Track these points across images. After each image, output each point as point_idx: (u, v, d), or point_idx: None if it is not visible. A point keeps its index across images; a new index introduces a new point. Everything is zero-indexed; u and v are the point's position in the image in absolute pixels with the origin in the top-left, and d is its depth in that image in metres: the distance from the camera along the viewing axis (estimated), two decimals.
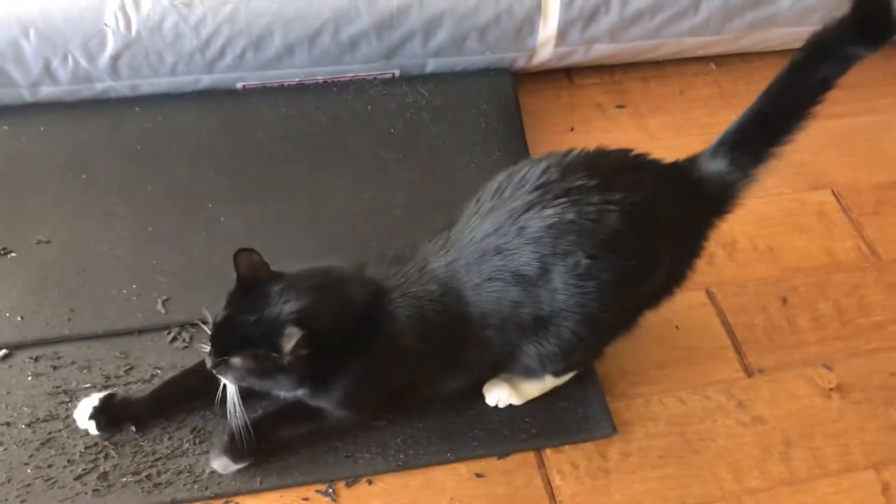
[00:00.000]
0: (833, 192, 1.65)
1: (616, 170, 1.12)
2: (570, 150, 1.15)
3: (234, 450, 1.19)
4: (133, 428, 1.24)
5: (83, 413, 1.22)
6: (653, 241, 1.12)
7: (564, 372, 1.27)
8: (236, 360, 1.07)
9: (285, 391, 1.15)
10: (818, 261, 1.54)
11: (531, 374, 1.23)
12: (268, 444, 1.21)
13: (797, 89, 1.13)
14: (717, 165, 1.17)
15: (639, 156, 1.18)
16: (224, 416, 1.18)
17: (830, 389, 1.36)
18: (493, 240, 1.10)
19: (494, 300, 1.11)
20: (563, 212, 1.07)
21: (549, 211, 1.08)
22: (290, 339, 1.02)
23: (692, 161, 1.20)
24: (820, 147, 1.72)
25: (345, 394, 1.15)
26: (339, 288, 1.12)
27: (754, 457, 1.28)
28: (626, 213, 1.08)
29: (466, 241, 1.12)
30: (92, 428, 1.22)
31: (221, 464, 1.20)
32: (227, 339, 1.08)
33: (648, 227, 1.11)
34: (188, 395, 1.26)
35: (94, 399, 1.23)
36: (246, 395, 1.15)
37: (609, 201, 1.08)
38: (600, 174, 1.10)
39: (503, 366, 1.22)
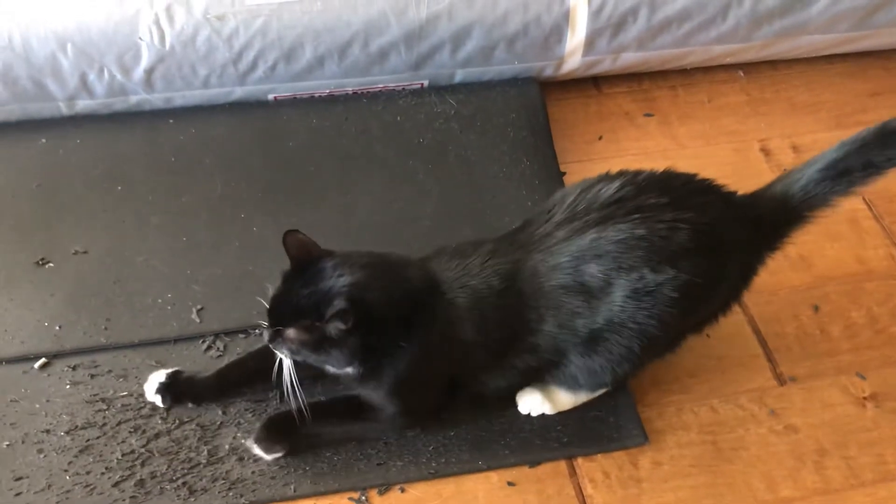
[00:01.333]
0: (865, 199, 1.64)
1: (686, 191, 1.16)
2: (642, 171, 1.19)
3: (267, 438, 1.21)
4: (191, 404, 1.29)
5: (151, 387, 1.28)
6: (717, 262, 1.15)
7: (605, 386, 1.27)
8: (290, 332, 1.10)
9: (337, 367, 1.17)
10: (850, 268, 1.53)
11: (575, 385, 1.24)
12: (310, 435, 1.23)
13: (873, 158, 1.18)
14: (786, 210, 1.22)
15: (704, 180, 1.21)
16: (281, 395, 1.23)
17: (864, 398, 1.35)
18: (563, 247, 1.13)
19: (554, 306, 1.13)
20: (634, 227, 1.10)
21: (621, 226, 1.11)
22: (341, 306, 1.05)
23: (757, 194, 1.24)
24: None
25: (395, 379, 1.17)
26: (394, 269, 1.15)
27: (787, 466, 1.27)
28: (695, 231, 1.11)
29: (535, 244, 1.15)
30: (159, 401, 1.28)
31: (256, 451, 1.23)
32: (281, 312, 1.11)
33: (715, 247, 1.14)
34: (250, 377, 1.29)
35: (161, 375, 1.28)
36: (302, 379, 1.17)
37: (679, 219, 1.11)
38: (671, 193, 1.13)
39: (549, 373, 1.23)
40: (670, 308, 1.12)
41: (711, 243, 1.13)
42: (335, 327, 1.07)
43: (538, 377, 1.25)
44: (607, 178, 1.18)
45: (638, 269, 1.10)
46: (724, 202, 1.19)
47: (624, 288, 1.10)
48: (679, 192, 1.15)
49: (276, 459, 1.23)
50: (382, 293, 1.11)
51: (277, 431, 1.22)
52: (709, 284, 1.15)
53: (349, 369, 1.16)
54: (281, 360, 1.15)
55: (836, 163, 1.19)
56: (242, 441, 1.25)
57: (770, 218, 1.22)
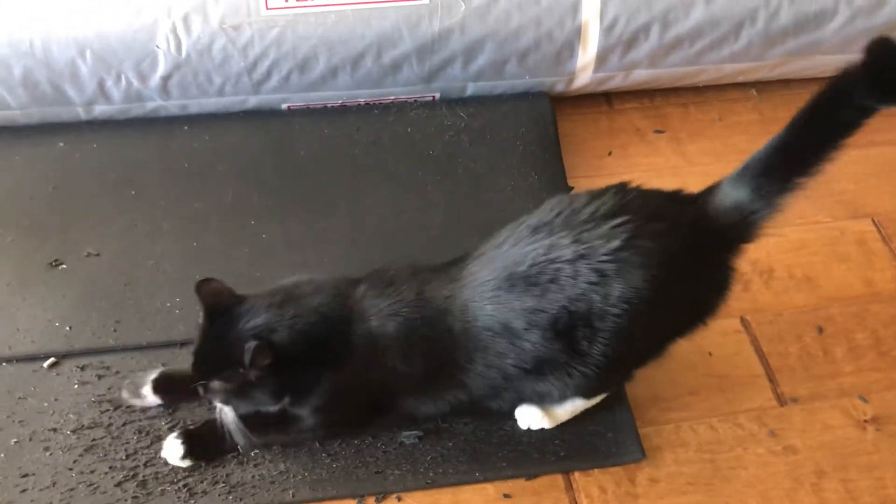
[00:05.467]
0: (874, 221, 1.64)
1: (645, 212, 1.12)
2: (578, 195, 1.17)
3: (182, 447, 1.22)
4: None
5: (147, 389, 1.30)
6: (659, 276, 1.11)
7: (595, 395, 1.28)
8: (214, 384, 1.13)
9: (268, 406, 1.19)
10: (856, 290, 1.53)
11: (550, 401, 1.25)
12: (221, 448, 1.25)
13: (820, 128, 1.10)
14: (739, 195, 1.14)
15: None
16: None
17: (865, 421, 1.35)
18: (488, 287, 1.13)
19: (481, 347, 1.14)
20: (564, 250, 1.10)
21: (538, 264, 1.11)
22: (250, 351, 1.06)
23: (711, 191, 1.17)
24: (861, 175, 1.71)
25: (320, 400, 1.18)
26: (303, 302, 1.14)
27: (785, 487, 1.27)
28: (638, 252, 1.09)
29: (466, 281, 1.15)
30: (157, 401, 1.30)
31: (172, 453, 1.23)
32: (202, 366, 1.13)
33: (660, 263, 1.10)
34: None
35: (153, 373, 1.30)
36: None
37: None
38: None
39: (490, 404, 1.24)
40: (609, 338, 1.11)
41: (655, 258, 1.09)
42: (252, 368, 1.08)
43: (475, 410, 1.25)
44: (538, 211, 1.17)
45: (558, 305, 1.09)
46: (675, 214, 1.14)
47: (544, 328, 1.11)
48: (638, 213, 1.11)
49: (280, 465, 1.25)
50: (290, 329, 1.11)
51: (200, 443, 1.24)
52: (654, 303, 1.11)
53: (275, 407, 1.19)
54: (221, 408, 1.18)
55: (788, 137, 1.12)
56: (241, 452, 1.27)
57: (734, 210, 1.15)
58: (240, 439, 1.20)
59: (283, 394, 1.16)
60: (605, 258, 1.08)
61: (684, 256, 1.12)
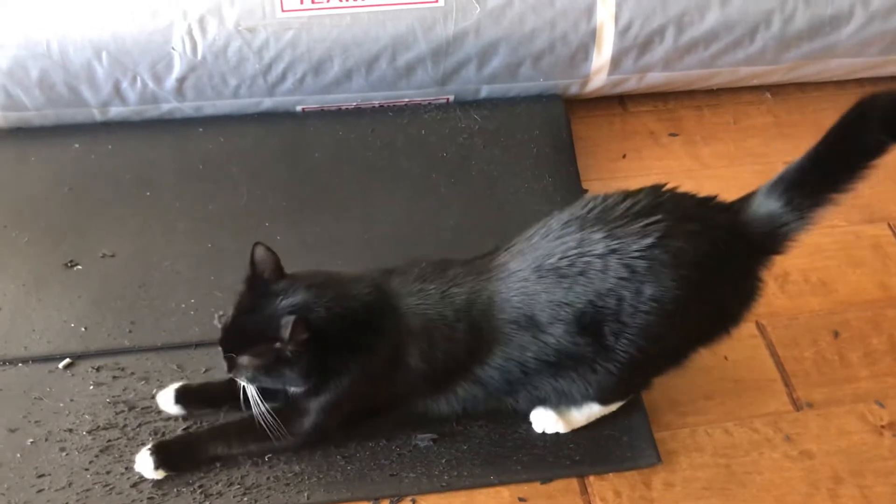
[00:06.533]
0: (889, 225, 1.63)
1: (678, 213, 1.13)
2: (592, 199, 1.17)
3: (155, 460, 1.21)
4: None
5: (168, 398, 1.29)
6: (690, 281, 1.11)
7: (612, 401, 1.28)
8: (244, 359, 1.12)
9: (295, 386, 1.19)
10: (872, 295, 1.52)
11: (570, 402, 1.25)
12: (195, 460, 1.24)
13: (850, 148, 1.11)
14: (772, 205, 1.15)
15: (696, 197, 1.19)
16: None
17: (882, 426, 1.34)
18: (515, 278, 1.14)
19: (504, 340, 1.15)
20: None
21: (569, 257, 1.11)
22: (288, 326, 1.06)
23: (746, 199, 1.18)
24: (876, 180, 1.66)
25: (337, 393, 1.18)
26: (342, 287, 1.15)
27: (801, 492, 1.27)
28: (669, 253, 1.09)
29: (493, 273, 1.16)
30: (177, 410, 1.29)
31: (145, 466, 1.22)
32: (233, 340, 1.14)
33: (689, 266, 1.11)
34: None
35: (175, 386, 1.30)
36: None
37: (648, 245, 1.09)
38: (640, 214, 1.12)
39: (498, 398, 1.23)
40: (637, 336, 1.11)
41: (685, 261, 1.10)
42: (290, 342, 1.08)
43: (489, 403, 1.24)
44: (556, 214, 1.17)
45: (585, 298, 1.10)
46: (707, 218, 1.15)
47: (569, 322, 1.11)
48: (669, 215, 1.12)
49: (297, 468, 1.25)
50: (328, 311, 1.12)
51: (172, 454, 1.23)
52: (676, 306, 1.11)
53: (305, 388, 1.18)
54: (244, 387, 1.17)
55: (822, 151, 1.12)
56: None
57: (766, 221, 1.16)
58: (262, 421, 1.19)
59: (312, 374, 1.15)
60: (636, 254, 1.08)
61: (715, 260, 1.12)
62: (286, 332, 1.07)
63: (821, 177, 1.12)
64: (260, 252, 1.14)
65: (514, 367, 1.17)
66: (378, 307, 1.15)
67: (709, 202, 1.19)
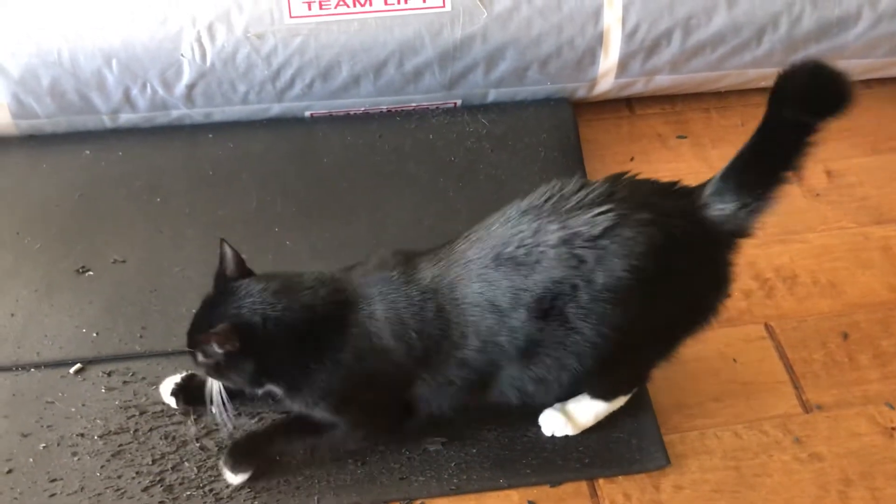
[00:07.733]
0: None
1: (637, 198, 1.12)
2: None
3: (233, 461, 1.23)
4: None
5: (166, 388, 1.32)
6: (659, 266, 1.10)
7: (610, 395, 1.28)
8: (197, 356, 1.15)
9: (242, 388, 1.20)
10: (881, 297, 1.52)
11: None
12: (275, 453, 1.26)
13: (784, 130, 1.09)
14: (727, 189, 1.13)
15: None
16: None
17: (892, 428, 1.34)
18: (476, 264, 1.14)
19: (472, 322, 1.14)
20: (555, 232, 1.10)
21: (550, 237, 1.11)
22: (215, 334, 1.08)
23: (705, 184, 1.16)
24: (884, 181, 1.70)
25: (321, 396, 1.18)
26: (297, 289, 1.15)
27: (811, 495, 1.26)
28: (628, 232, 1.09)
29: (455, 259, 1.16)
30: (173, 402, 1.31)
31: (226, 474, 1.24)
32: (191, 336, 1.16)
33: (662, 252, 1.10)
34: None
35: (176, 377, 1.33)
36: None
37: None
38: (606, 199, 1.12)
39: (487, 389, 1.22)
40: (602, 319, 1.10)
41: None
42: (217, 350, 1.10)
43: (489, 392, 1.22)
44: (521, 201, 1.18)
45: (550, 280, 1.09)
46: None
47: (530, 308, 1.10)
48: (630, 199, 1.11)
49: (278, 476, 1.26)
50: (275, 320, 1.12)
51: (243, 454, 1.24)
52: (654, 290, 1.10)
53: (259, 390, 1.20)
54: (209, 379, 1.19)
55: (758, 143, 1.11)
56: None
57: (722, 218, 1.14)
58: (219, 417, 1.22)
59: (261, 380, 1.17)
60: (585, 245, 1.09)
61: (673, 248, 1.10)
62: (213, 340, 1.09)
63: (768, 159, 1.11)
64: (225, 249, 1.16)
65: (492, 349, 1.15)
66: (336, 301, 1.15)
67: (670, 188, 1.17)
